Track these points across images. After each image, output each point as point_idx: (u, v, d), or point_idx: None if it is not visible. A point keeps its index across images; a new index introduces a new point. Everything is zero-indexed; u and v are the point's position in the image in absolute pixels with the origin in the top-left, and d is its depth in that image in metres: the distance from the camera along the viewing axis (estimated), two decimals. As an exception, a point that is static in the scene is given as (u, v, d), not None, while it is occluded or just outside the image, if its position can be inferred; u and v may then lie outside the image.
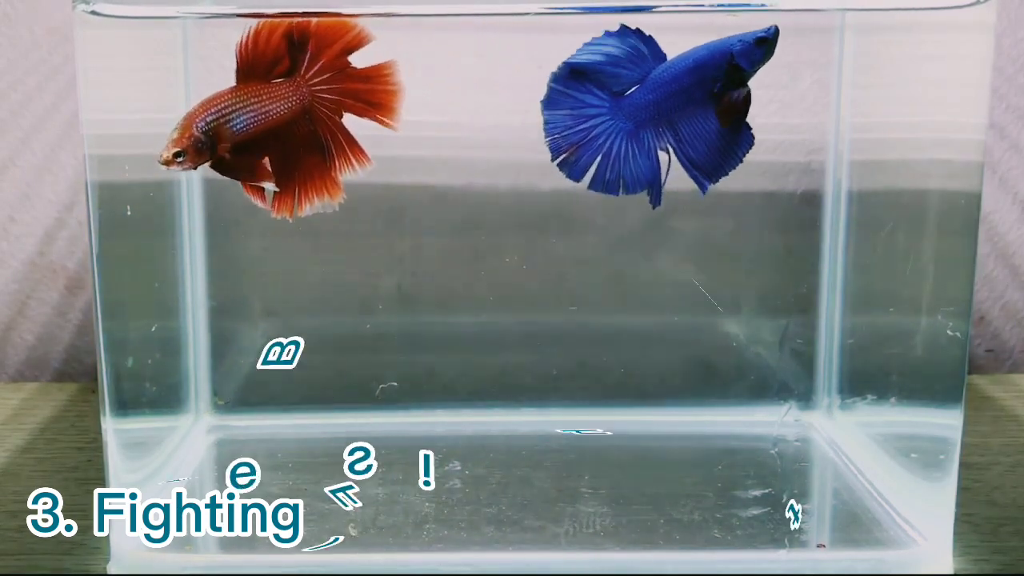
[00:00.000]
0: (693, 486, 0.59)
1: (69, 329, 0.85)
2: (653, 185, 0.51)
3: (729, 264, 0.69)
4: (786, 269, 0.69)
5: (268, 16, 0.54)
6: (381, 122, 0.52)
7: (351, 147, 0.52)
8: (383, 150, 0.67)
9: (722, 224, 0.68)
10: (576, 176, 0.51)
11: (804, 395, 0.69)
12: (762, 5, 0.51)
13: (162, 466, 0.60)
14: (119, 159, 0.54)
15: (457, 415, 0.69)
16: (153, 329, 0.64)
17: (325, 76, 0.51)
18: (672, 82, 0.50)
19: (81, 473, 0.64)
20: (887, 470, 0.60)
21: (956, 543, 0.54)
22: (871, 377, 0.65)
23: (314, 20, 0.50)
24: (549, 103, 0.51)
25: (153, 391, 0.60)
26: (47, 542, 0.55)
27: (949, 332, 0.54)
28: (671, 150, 0.51)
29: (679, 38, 0.57)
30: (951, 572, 0.53)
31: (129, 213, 0.55)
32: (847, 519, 0.57)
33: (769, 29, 0.50)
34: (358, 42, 0.51)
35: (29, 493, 0.61)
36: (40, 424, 0.72)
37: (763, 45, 0.50)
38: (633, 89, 0.51)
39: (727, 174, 0.52)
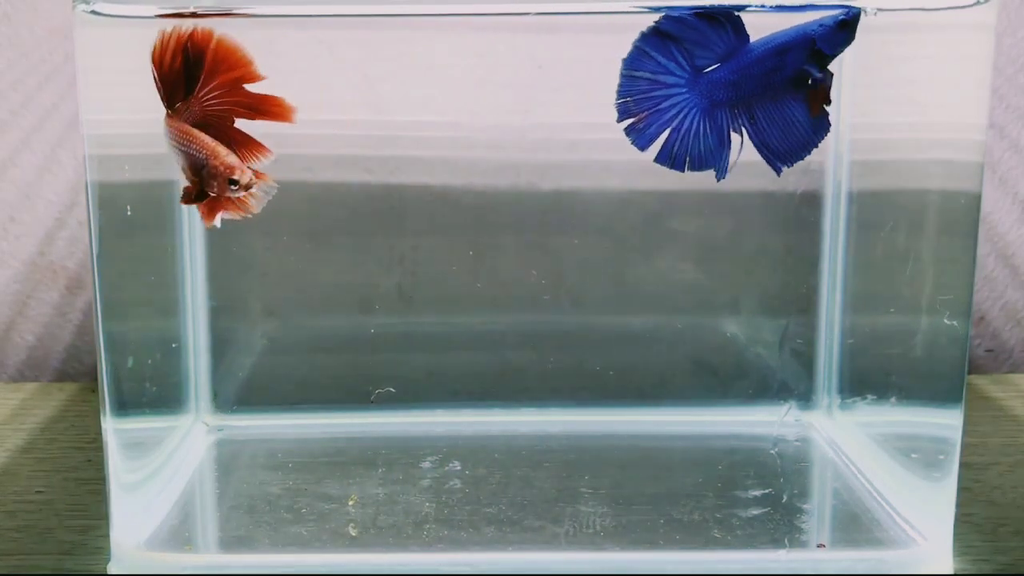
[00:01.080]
0: (693, 486, 0.59)
1: (69, 329, 0.85)
2: (720, 165, 0.51)
3: (729, 264, 0.69)
4: (786, 269, 0.69)
5: (258, 16, 0.54)
6: (276, 118, 0.52)
7: (248, 144, 0.52)
8: (383, 150, 0.68)
9: (722, 224, 0.68)
10: (642, 144, 0.50)
11: (804, 395, 0.69)
12: (762, 5, 0.51)
13: (162, 466, 0.60)
14: (119, 159, 0.54)
15: (457, 415, 0.69)
16: (174, 346, 0.64)
17: (217, 93, 0.52)
18: (754, 65, 0.49)
19: (81, 473, 0.64)
20: (887, 470, 0.60)
21: (956, 543, 0.54)
22: (871, 377, 0.65)
23: (214, 40, 0.50)
24: (630, 62, 0.50)
25: (153, 391, 0.60)
26: (47, 542, 0.55)
27: (946, 321, 0.54)
28: (744, 132, 0.50)
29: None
30: (951, 572, 0.53)
31: (129, 213, 0.55)
32: (847, 519, 0.57)
33: (849, 11, 0.49)
34: (251, 78, 0.51)
35: (29, 493, 0.61)
36: (40, 424, 0.72)
37: (845, 28, 0.49)
38: (714, 67, 0.50)
39: (802, 159, 0.51)
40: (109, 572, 0.53)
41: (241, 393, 0.69)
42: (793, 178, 0.67)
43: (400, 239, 0.68)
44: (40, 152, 0.83)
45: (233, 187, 0.50)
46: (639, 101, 0.50)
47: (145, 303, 0.61)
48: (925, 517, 0.55)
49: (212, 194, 0.51)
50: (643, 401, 0.69)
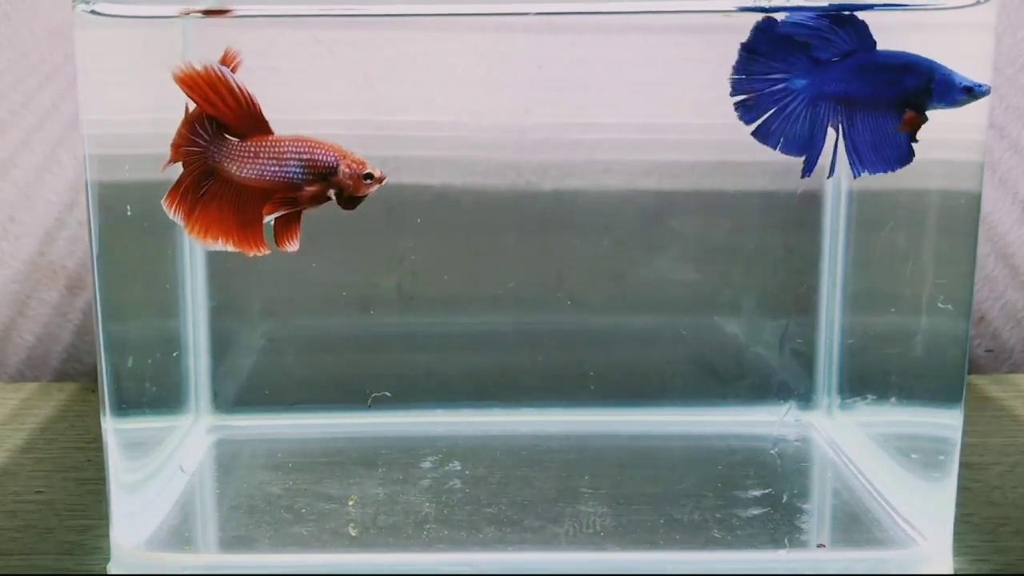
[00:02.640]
0: (693, 486, 0.59)
1: (69, 329, 0.85)
2: (809, 155, 0.52)
3: (729, 264, 0.69)
4: (786, 269, 0.68)
5: (261, 16, 0.54)
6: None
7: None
8: (383, 150, 0.67)
9: (722, 224, 0.68)
10: (747, 119, 0.52)
11: (804, 395, 0.69)
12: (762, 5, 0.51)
13: (162, 466, 0.60)
14: (119, 159, 0.54)
15: (457, 415, 0.69)
16: (175, 355, 0.64)
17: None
18: (870, 70, 0.51)
19: (81, 473, 0.64)
20: (887, 470, 0.60)
21: (956, 543, 0.54)
22: (871, 377, 0.65)
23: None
24: (749, 44, 0.51)
25: (153, 391, 0.60)
26: (47, 542, 0.55)
27: (940, 305, 0.55)
28: (841, 129, 0.51)
29: (681, 38, 0.57)
30: (951, 572, 0.53)
31: (129, 213, 0.55)
32: (847, 519, 0.57)
33: (981, 85, 0.50)
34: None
35: (29, 493, 0.61)
36: (40, 424, 0.72)
37: (964, 94, 0.50)
38: (834, 60, 0.51)
39: (877, 173, 0.52)
40: (109, 572, 0.53)
41: (241, 393, 0.69)
42: (793, 178, 0.67)
43: (400, 239, 0.68)
44: (40, 152, 0.83)
45: (368, 181, 0.50)
46: (752, 80, 0.51)
47: (145, 303, 0.61)
48: (925, 517, 0.55)
49: (337, 195, 0.50)
50: (643, 401, 0.69)
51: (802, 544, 0.54)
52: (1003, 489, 0.62)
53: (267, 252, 0.51)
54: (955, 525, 0.54)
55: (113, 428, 0.54)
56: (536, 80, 0.65)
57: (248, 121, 0.50)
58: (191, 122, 0.50)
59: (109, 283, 0.54)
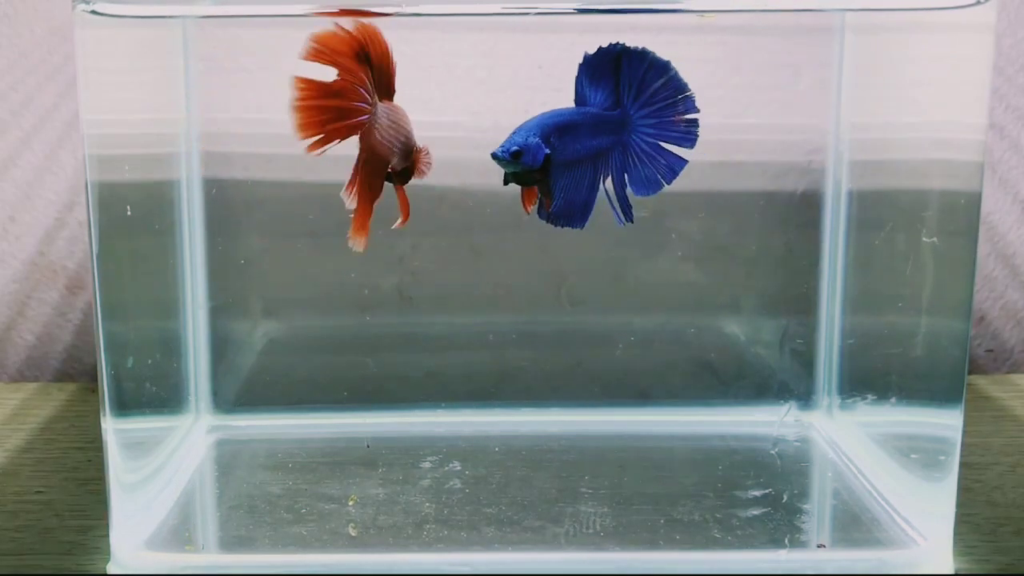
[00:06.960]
0: (693, 486, 0.59)
1: (69, 329, 0.85)
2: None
3: (729, 264, 0.69)
4: (786, 269, 0.69)
5: (277, 16, 0.54)
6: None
7: None
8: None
9: (722, 224, 0.68)
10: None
11: (804, 395, 0.69)
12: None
13: (162, 466, 0.60)
14: (119, 159, 0.54)
15: (457, 415, 0.69)
16: (172, 355, 0.64)
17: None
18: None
19: (81, 473, 0.64)
20: (887, 470, 0.60)
21: (956, 543, 0.54)
22: (871, 377, 0.65)
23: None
24: None
25: (153, 391, 0.60)
26: (47, 542, 0.55)
27: (926, 239, 0.55)
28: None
29: (678, 38, 0.57)
30: (951, 572, 0.53)
31: (129, 213, 0.55)
32: (847, 519, 0.57)
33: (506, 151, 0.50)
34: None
35: (29, 493, 0.61)
36: (40, 424, 0.72)
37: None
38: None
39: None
40: (109, 572, 0.53)
41: (241, 393, 0.69)
42: (793, 178, 0.67)
43: (400, 239, 0.68)
44: (40, 152, 0.83)
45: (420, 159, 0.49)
46: None
47: (145, 303, 0.62)
48: (925, 517, 0.55)
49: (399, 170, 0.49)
50: (643, 401, 0.69)
51: (802, 544, 0.54)
52: (1003, 489, 0.62)
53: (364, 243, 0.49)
54: (955, 525, 0.54)
55: (113, 428, 0.54)
56: (536, 80, 0.65)
57: (389, 85, 0.47)
58: (363, 83, 0.46)
59: (109, 283, 0.54)
